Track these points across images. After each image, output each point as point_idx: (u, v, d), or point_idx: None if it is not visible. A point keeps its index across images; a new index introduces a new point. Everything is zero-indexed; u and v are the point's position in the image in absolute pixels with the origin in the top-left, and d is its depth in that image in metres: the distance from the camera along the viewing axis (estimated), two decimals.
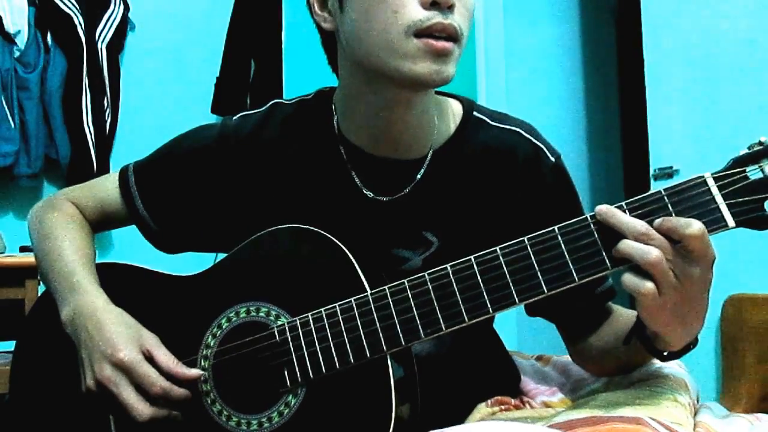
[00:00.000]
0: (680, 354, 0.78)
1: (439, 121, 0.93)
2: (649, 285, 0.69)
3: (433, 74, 0.80)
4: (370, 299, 0.78)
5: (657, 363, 0.88)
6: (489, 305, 0.74)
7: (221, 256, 0.93)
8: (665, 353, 0.78)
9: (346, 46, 0.87)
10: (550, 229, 0.73)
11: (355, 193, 0.92)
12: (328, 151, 0.94)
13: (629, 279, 0.70)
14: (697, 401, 0.88)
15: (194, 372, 0.84)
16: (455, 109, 0.96)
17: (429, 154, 0.92)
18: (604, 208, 0.71)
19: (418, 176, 0.91)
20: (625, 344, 0.83)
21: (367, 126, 0.91)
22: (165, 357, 0.84)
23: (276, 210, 0.92)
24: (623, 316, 0.92)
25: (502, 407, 0.91)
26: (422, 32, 0.78)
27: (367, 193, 0.91)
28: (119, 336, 0.84)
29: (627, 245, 0.69)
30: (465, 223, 0.92)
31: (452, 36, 0.79)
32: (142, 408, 0.81)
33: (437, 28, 0.78)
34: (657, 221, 0.69)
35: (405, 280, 0.77)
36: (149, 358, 0.83)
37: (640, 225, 0.69)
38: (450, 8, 0.79)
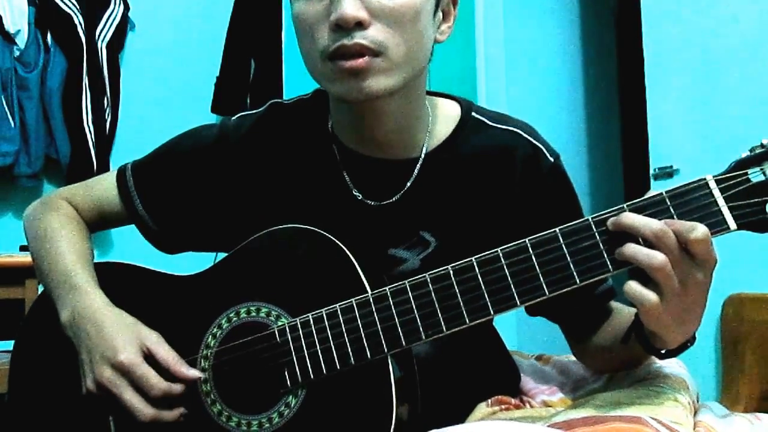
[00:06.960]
0: (678, 352, 0.78)
1: (434, 123, 0.94)
2: (653, 297, 0.68)
3: (353, 92, 0.81)
4: (371, 300, 0.78)
5: (657, 362, 0.88)
6: (490, 306, 0.73)
7: (221, 256, 0.93)
8: (663, 351, 0.78)
9: None
10: (552, 230, 0.72)
11: (346, 195, 0.92)
12: (323, 151, 0.94)
13: (632, 289, 0.69)
14: (697, 401, 0.88)
15: (194, 372, 0.84)
16: (452, 110, 0.96)
17: (422, 156, 0.92)
18: (612, 218, 0.70)
19: (411, 178, 0.91)
20: (624, 343, 0.83)
21: (352, 128, 0.92)
22: (166, 354, 0.84)
23: (272, 210, 0.92)
24: (623, 314, 0.92)
25: (502, 407, 0.91)
26: (332, 56, 0.80)
27: (357, 194, 0.92)
28: (119, 337, 0.84)
29: (631, 249, 0.68)
30: (463, 223, 0.91)
31: (362, 54, 0.79)
32: (143, 409, 0.81)
33: (341, 52, 0.79)
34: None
35: (406, 281, 0.77)
36: (150, 357, 0.84)
37: (656, 223, 0.68)
38: (360, 24, 0.78)
